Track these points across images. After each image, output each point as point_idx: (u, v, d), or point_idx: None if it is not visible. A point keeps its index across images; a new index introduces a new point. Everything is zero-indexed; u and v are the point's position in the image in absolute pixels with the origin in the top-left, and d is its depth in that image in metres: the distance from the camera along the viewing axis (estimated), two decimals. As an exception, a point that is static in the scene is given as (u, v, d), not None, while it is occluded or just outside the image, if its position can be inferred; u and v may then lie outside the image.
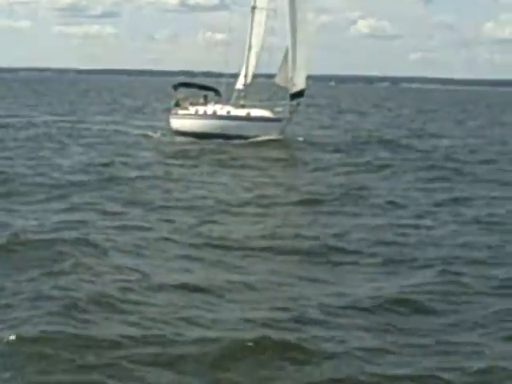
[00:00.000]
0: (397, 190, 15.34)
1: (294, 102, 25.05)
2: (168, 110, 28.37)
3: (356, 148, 24.42)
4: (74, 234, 9.63)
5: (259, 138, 24.42)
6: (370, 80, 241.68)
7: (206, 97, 26.81)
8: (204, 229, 10.74)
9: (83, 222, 10.73)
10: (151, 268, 8.37)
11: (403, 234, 10.83)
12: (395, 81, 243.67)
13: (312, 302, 7.30)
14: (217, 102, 26.56)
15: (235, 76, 27.40)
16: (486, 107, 75.50)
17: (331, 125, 36.65)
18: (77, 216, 11.28)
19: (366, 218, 12.07)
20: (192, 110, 26.27)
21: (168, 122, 27.20)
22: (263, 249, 9.58)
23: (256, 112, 25.29)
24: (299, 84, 25.17)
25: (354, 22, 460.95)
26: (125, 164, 18.12)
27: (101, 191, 13.77)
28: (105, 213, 11.73)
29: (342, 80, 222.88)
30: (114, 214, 11.72)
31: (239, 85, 26.52)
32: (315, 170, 18.92)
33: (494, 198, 14.80)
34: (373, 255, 9.42)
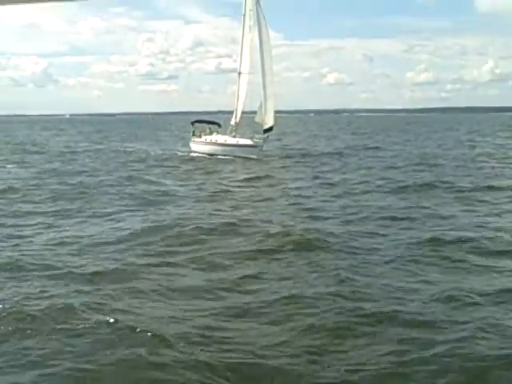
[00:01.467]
0: (299, 182, 28.15)
1: (266, 135, 38.08)
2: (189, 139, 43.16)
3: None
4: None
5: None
6: (336, 112, 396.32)
7: (210, 129, 40.74)
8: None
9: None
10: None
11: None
12: (351, 111, 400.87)
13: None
14: (218, 132, 40.79)
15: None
16: (407, 125, 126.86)
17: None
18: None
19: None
20: (203, 138, 40.72)
21: (189, 146, 42.26)
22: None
23: (242, 141, 38.88)
24: (269, 123, 38.29)
25: (325, 76, 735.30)
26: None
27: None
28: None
29: (318, 113, 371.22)
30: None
31: (232, 122, 40.44)
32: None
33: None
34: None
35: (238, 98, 40.20)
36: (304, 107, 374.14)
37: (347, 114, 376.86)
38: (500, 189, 23.00)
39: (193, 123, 42.34)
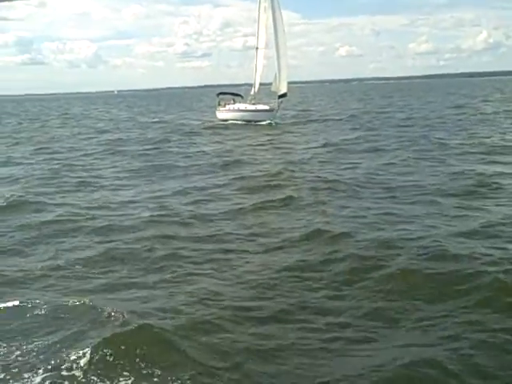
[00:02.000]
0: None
1: (280, 100, 44.59)
2: (215, 108, 49.93)
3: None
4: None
5: (263, 122, 44.88)
6: (347, 81, 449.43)
7: (233, 99, 47.62)
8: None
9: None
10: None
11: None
12: (361, 80, 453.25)
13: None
14: (240, 102, 47.42)
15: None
16: (409, 90, 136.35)
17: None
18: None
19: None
20: (227, 107, 47.44)
21: (215, 114, 48.91)
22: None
23: (260, 106, 45.60)
24: (283, 90, 44.81)
25: (338, 49, 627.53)
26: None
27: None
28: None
29: (332, 82, 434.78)
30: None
31: (252, 92, 47.04)
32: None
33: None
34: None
35: (256, 71, 46.53)
36: (320, 78, 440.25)
37: (356, 82, 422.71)
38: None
39: (218, 95, 48.88)
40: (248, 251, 10.87)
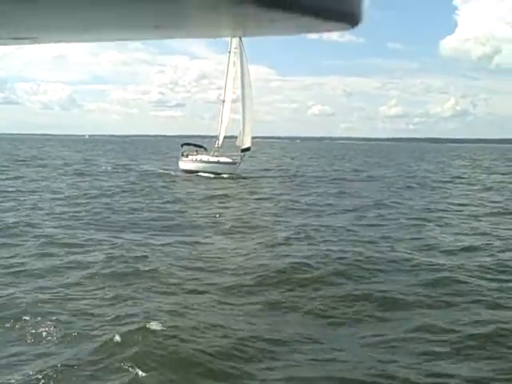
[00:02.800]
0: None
1: (242, 154, 44.61)
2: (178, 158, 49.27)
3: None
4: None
5: (224, 175, 44.35)
6: (319, 139, 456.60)
7: (197, 151, 47.13)
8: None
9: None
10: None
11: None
12: (332, 139, 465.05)
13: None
14: (203, 154, 46.93)
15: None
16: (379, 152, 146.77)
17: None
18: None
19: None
20: (190, 157, 46.91)
21: (178, 164, 48.18)
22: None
23: (223, 159, 45.36)
24: (247, 144, 44.77)
25: (310, 107, 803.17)
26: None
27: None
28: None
29: (303, 139, 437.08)
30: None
31: (216, 145, 46.75)
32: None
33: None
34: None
35: (221, 123, 46.40)
36: (292, 134, 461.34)
37: (327, 140, 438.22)
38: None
39: (182, 145, 48.54)
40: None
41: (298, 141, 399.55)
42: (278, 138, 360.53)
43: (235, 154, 45.20)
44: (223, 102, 46.53)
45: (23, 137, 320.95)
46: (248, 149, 44.97)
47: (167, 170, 48.56)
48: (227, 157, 45.52)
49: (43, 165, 54.56)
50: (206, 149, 46.94)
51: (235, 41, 45.60)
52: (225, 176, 43.63)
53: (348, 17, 0.96)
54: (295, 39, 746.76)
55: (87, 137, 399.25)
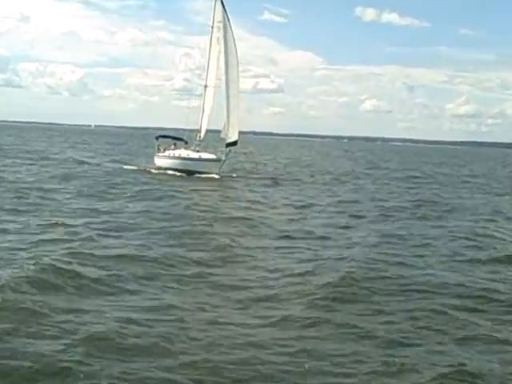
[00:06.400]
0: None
1: (228, 149, 36.99)
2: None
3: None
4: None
5: (205, 175, 36.67)
6: (371, 139, 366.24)
7: (175, 144, 39.53)
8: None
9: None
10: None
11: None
12: (385, 140, 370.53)
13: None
14: (185, 148, 39.32)
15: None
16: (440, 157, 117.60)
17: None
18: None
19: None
20: (166, 152, 39.38)
21: (154, 161, 40.62)
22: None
23: (205, 155, 37.72)
24: (232, 137, 37.15)
25: (363, 102, 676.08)
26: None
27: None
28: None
29: (351, 139, 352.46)
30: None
31: (197, 138, 39.10)
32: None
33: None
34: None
35: (203, 112, 38.87)
36: (338, 133, 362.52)
37: (379, 142, 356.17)
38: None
39: (157, 138, 41.23)
40: None
41: (346, 140, 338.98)
42: (322, 136, 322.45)
43: (219, 149, 37.77)
44: (205, 87, 39.14)
45: (23, 125, 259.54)
46: (234, 143, 37.81)
47: (141, 166, 40.81)
48: (210, 153, 38.06)
49: None
50: (186, 142, 39.73)
51: (219, 13, 38.11)
52: (206, 176, 36.14)
53: None
54: (347, 21, 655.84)
55: (93, 127, 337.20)
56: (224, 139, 37.52)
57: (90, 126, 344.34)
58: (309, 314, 9.85)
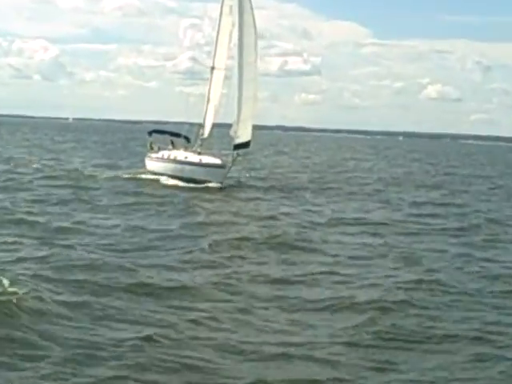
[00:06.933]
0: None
1: (235, 152, 27.88)
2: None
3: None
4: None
5: (209, 184, 27.96)
6: (436, 136, 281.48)
7: (172, 142, 30.91)
8: None
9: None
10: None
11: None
12: (455, 137, 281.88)
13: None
14: (186, 148, 30.61)
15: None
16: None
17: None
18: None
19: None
20: (160, 153, 30.73)
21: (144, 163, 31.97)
22: None
23: (206, 159, 28.80)
24: (243, 136, 28.28)
25: (425, 87, 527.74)
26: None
27: None
28: None
29: (409, 135, 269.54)
30: None
31: (200, 134, 30.29)
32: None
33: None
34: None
35: (207, 102, 29.98)
36: (392, 129, 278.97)
37: (448, 139, 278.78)
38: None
39: (150, 133, 32.59)
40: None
41: (401, 138, 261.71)
42: (369, 132, 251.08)
43: (225, 152, 29.23)
44: (212, 69, 30.20)
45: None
46: (246, 144, 28.86)
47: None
48: (215, 156, 29.20)
49: None
50: (188, 139, 31.07)
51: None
52: (207, 186, 27.42)
53: None
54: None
55: (71, 120, 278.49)
56: (233, 138, 28.67)
57: (68, 119, 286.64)
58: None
